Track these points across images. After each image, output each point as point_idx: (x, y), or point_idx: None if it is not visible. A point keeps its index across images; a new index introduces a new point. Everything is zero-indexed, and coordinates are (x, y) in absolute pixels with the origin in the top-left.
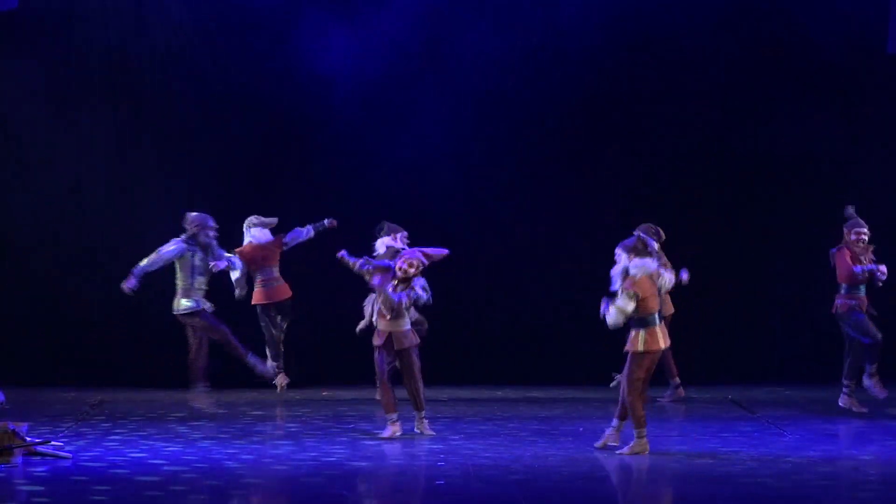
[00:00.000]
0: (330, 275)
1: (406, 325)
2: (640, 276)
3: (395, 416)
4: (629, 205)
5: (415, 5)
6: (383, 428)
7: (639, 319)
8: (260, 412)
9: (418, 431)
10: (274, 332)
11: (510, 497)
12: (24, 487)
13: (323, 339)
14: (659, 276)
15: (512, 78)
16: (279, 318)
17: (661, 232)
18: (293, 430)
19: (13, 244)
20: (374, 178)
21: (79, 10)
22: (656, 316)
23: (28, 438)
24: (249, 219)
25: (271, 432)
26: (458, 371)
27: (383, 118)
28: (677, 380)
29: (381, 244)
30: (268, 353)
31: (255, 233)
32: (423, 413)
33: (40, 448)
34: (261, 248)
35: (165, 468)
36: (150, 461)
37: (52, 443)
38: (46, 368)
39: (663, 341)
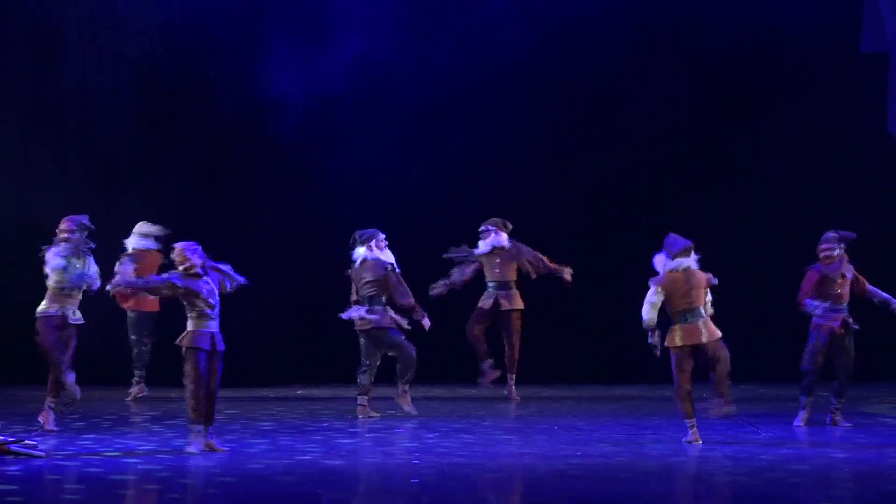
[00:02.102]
0: (304, 273)
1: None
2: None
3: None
4: (609, 202)
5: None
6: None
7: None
8: (234, 411)
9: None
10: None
11: (484, 495)
12: None
13: (296, 338)
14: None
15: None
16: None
17: (509, 224)
18: (267, 428)
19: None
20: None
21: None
22: (686, 314)
23: (1, 437)
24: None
25: (245, 431)
26: (433, 369)
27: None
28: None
29: (359, 255)
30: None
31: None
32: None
33: (13, 447)
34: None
35: (139, 467)
36: (124, 460)
37: (26, 441)
38: (18, 367)
39: (689, 338)
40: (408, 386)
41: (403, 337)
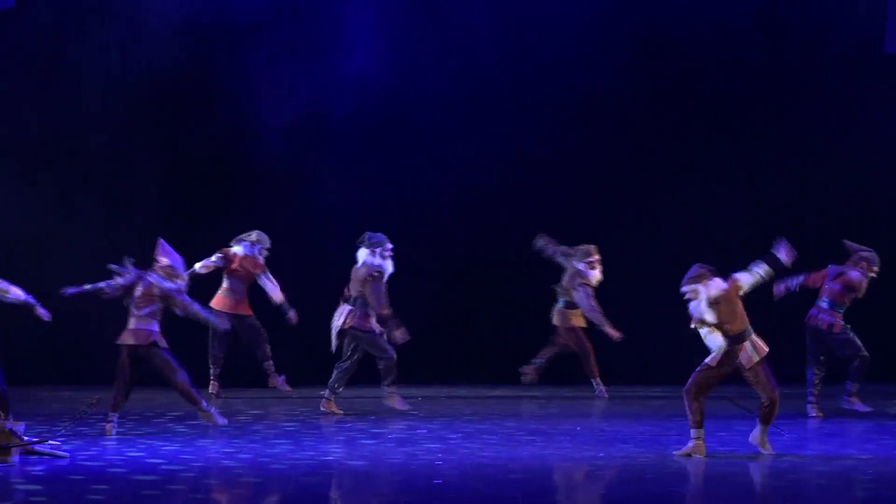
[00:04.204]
0: (319, 274)
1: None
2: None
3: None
4: (627, 208)
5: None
6: None
7: (731, 338)
8: (257, 411)
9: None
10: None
11: (508, 496)
12: (22, 487)
13: (318, 339)
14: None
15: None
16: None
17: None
18: (290, 429)
19: (11, 244)
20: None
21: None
22: (743, 333)
23: (25, 438)
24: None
25: (268, 431)
26: (456, 370)
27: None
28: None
29: (360, 256)
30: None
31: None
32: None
33: (37, 447)
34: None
35: (163, 467)
36: (147, 460)
37: (50, 442)
38: (43, 367)
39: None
40: (394, 387)
41: (383, 339)
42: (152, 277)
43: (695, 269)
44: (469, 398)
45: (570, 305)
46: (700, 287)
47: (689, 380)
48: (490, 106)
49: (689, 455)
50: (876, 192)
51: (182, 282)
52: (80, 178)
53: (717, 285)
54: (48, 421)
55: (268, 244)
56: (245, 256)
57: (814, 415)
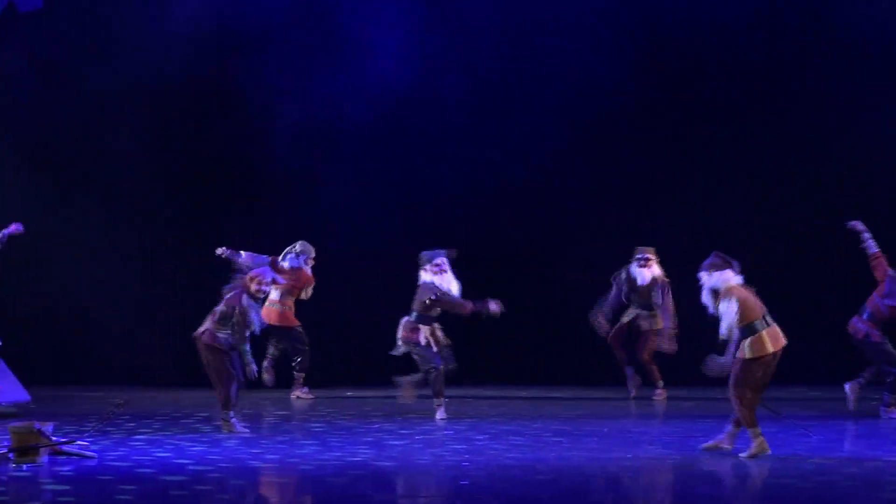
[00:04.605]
0: (353, 277)
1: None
2: (728, 286)
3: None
4: (653, 206)
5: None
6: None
7: (743, 329)
8: (285, 412)
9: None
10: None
11: (534, 497)
12: (50, 487)
13: (349, 341)
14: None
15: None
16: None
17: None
18: (318, 429)
19: (38, 246)
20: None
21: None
22: (760, 322)
23: (54, 438)
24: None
25: (296, 432)
26: (482, 371)
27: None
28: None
29: (422, 275)
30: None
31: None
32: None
33: (66, 447)
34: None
35: (191, 468)
36: (175, 461)
37: (78, 442)
38: (71, 368)
39: (772, 344)
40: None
41: (430, 351)
42: (244, 296)
43: (710, 257)
44: (495, 399)
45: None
46: (705, 275)
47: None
48: (500, 109)
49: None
50: (882, 192)
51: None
52: (93, 180)
53: (724, 277)
54: (76, 421)
55: (312, 253)
56: (293, 269)
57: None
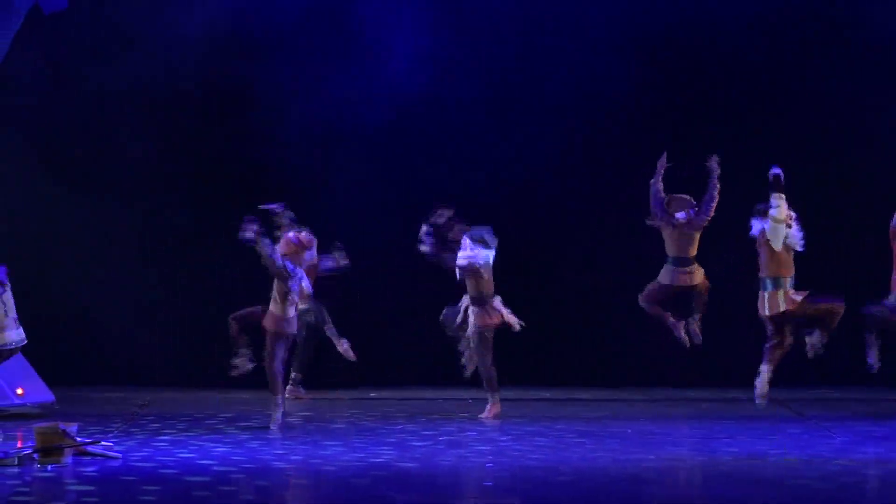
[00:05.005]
0: (372, 278)
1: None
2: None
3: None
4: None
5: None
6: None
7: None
8: (308, 413)
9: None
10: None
11: (557, 498)
12: (74, 487)
13: (373, 341)
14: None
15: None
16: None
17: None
18: (341, 430)
19: (60, 245)
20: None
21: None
22: (766, 281)
23: (78, 438)
24: None
25: (319, 433)
26: (505, 372)
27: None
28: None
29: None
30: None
31: None
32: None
33: (90, 448)
34: None
35: (214, 468)
36: (198, 461)
37: (102, 443)
38: (95, 369)
39: (768, 307)
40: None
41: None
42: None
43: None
44: (518, 400)
45: None
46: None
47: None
48: (511, 111)
49: None
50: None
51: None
52: (109, 184)
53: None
54: (100, 422)
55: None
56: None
57: None
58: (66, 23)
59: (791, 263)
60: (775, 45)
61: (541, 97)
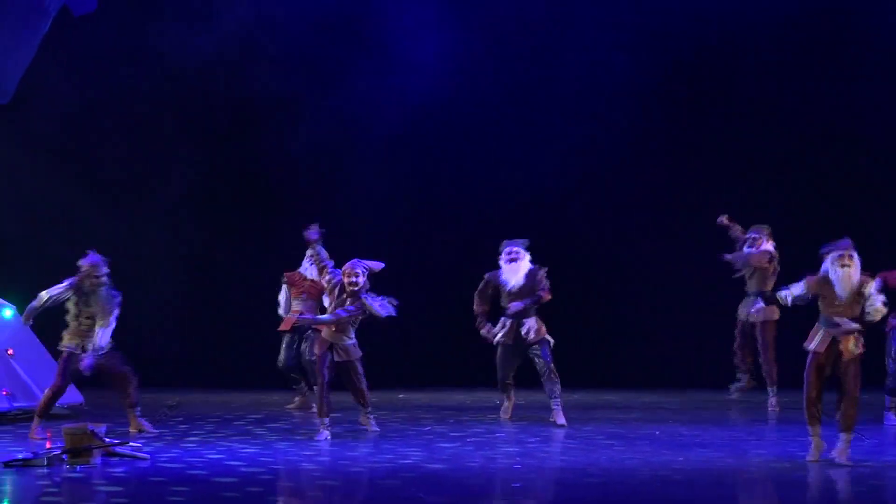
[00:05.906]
0: (395, 282)
1: (347, 339)
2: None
3: (327, 420)
4: (711, 203)
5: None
6: (318, 433)
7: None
8: (337, 414)
9: (363, 426)
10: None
11: (586, 500)
12: (103, 488)
13: (402, 342)
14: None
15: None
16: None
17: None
18: (370, 432)
19: (89, 248)
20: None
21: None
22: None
23: (107, 440)
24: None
25: (348, 434)
26: (533, 374)
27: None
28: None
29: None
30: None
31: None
32: (368, 409)
33: (119, 449)
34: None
35: (243, 469)
36: (227, 462)
37: (131, 444)
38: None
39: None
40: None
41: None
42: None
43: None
44: (547, 402)
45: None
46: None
47: None
48: (530, 114)
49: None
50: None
51: None
52: (125, 189)
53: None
54: (126, 424)
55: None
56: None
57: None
58: (75, 33)
59: None
60: (803, 46)
61: (560, 100)
